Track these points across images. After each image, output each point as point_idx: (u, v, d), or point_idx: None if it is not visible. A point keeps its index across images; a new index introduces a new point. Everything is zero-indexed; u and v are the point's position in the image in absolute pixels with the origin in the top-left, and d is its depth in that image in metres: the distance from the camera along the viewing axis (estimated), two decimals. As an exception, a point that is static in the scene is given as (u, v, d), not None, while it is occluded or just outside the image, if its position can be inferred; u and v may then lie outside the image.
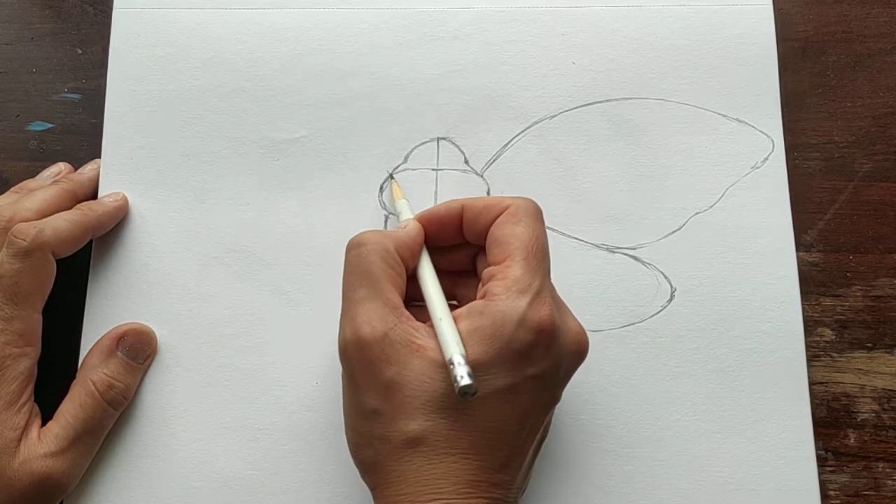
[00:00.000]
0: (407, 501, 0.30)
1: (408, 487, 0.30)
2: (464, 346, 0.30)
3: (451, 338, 0.30)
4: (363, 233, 0.33)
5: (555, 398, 0.33)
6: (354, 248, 0.33)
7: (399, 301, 0.32)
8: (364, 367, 0.31)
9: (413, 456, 0.30)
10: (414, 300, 0.34)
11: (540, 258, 0.32)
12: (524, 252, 0.32)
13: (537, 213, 0.33)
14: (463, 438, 0.30)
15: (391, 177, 0.41)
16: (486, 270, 0.32)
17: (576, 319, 0.33)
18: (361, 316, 0.31)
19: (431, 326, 0.31)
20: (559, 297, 0.33)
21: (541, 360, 0.31)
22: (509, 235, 0.32)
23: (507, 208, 0.33)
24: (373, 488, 0.32)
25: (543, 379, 0.31)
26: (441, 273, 0.34)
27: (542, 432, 0.33)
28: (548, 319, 0.30)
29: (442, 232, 0.35)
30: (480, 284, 0.32)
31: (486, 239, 0.34)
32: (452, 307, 0.32)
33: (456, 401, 0.30)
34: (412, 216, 0.35)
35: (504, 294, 0.31)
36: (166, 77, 0.42)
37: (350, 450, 0.33)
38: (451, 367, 0.29)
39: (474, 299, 0.32)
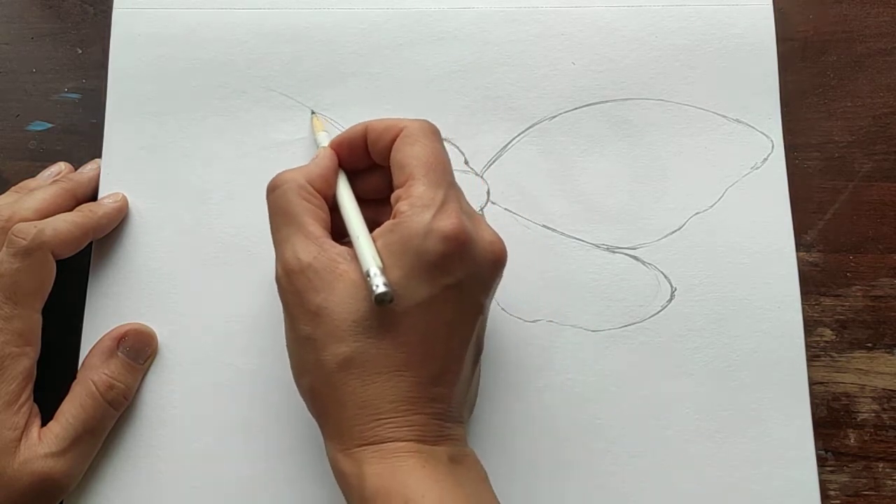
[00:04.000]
0: (349, 426, 0.31)
1: (348, 412, 0.31)
2: (381, 261, 0.31)
3: (367, 252, 0.31)
4: (278, 174, 0.34)
5: (478, 307, 0.33)
6: (272, 192, 0.34)
7: (320, 231, 0.33)
8: (295, 297, 0.32)
9: (347, 378, 0.31)
10: (343, 233, 0.35)
11: (440, 172, 0.33)
12: (423, 169, 0.32)
13: (433, 132, 0.34)
14: (392, 355, 0.31)
15: (312, 112, 0.42)
16: (393, 194, 0.33)
17: (491, 229, 0.33)
18: (287, 252, 0.32)
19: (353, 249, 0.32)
20: (471, 210, 0.34)
21: (456, 270, 0.31)
22: (407, 156, 0.33)
23: (402, 130, 0.34)
24: (316, 417, 0.33)
25: (462, 288, 0.32)
26: (364, 202, 0.35)
27: (475, 345, 0.34)
28: (455, 228, 0.31)
29: (353, 155, 0.36)
30: (392, 208, 0.33)
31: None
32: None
33: (382, 319, 0.31)
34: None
35: (409, 210, 0.32)
36: (166, 77, 0.42)
37: (295, 381, 0.34)
38: (368, 279, 0.30)
39: None
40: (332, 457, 0.32)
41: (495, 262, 0.33)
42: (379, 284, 0.30)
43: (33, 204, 0.38)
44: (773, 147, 0.41)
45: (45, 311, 0.37)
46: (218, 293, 0.40)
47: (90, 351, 0.38)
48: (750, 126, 0.41)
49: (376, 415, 0.31)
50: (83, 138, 0.43)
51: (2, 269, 0.36)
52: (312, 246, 0.32)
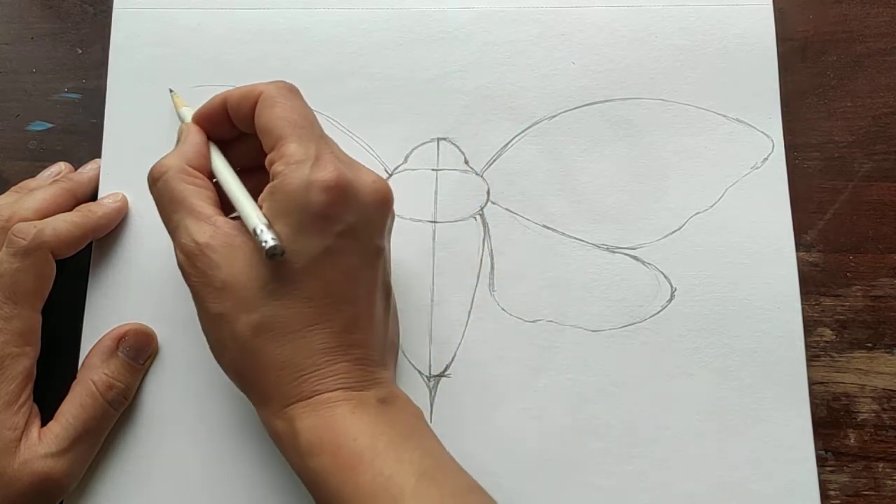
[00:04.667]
0: (275, 388, 0.32)
1: (271, 376, 0.32)
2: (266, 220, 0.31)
3: (251, 211, 0.32)
4: (155, 165, 0.35)
5: (377, 249, 0.34)
6: (154, 183, 0.34)
7: (211, 210, 0.33)
8: (199, 278, 0.32)
9: (263, 344, 0.31)
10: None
11: (308, 128, 0.33)
12: (290, 128, 0.33)
13: (290, 91, 0.34)
14: (302, 312, 0.32)
15: (170, 90, 0.41)
16: (267, 159, 0.33)
17: (371, 172, 0.34)
18: (183, 237, 0.33)
19: None
20: (347, 157, 0.34)
21: (344, 216, 0.32)
22: (271, 119, 0.33)
23: (260, 95, 0.34)
24: (244, 391, 0.34)
25: (354, 233, 0.32)
26: (244, 171, 0.36)
27: (382, 287, 0.34)
28: (333, 177, 0.31)
29: (217, 126, 0.36)
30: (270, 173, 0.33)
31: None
32: None
33: (284, 280, 0.31)
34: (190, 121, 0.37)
35: (286, 169, 0.32)
36: (166, 77, 0.42)
37: (216, 361, 0.34)
38: (256, 237, 0.31)
39: None
40: (265, 421, 0.33)
41: (381, 201, 0.33)
42: (267, 240, 0.30)
43: (33, 204, 0.38)
44: (773, 147, 0.41)
45: (45, 311, 0.37)
46: (218, 293, 0.40)
47: (90, 351, 0.38)
48: (750, 126, 0.41)
49: (299, 371, 0.31)
50: (83, 138, 0.43)
51: (2, 269, 0.36)
52: (206, 226, 0.32)
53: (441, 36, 0.43)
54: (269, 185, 0.32)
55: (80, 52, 0.45)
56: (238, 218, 0.33)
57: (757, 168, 0.41)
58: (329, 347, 0.32)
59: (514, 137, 0.42)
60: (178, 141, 0.36)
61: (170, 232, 0.34)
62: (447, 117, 0.42)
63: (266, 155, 0.34)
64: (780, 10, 0.43)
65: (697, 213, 0.41)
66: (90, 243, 0.40)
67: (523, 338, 0.39)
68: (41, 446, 0.35)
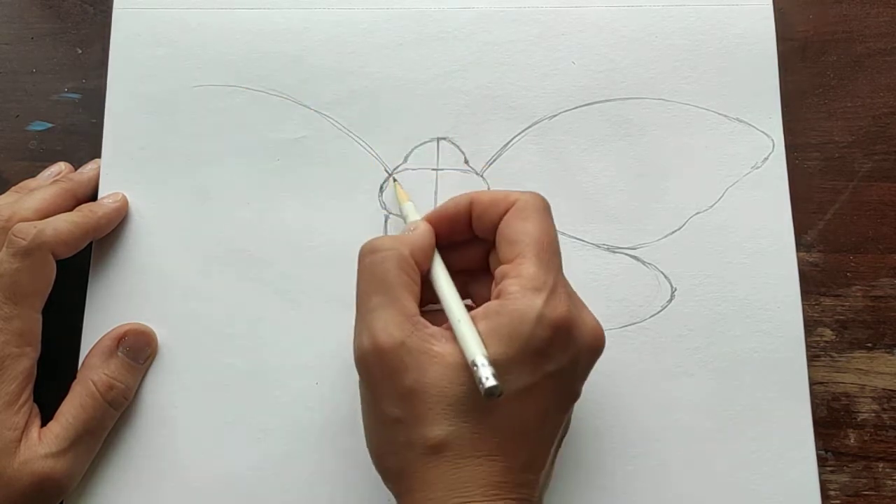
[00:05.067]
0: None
1: (434, 493, 0.30)
2: (484, 346, 0.30)
3: (472, 339, 0.30)
4: (377, 239, 0.33)
5: (574, 394, 0.32)
6: (369, 255, 0.33)
7: (415, 308, 0.32)
8: (383, 376, 0.31)
9: (438, 461, 0.30)
10: (429, 303, 0.34)
11: (552, 253, 0.32)
12: (536, 248, 0.31)
13: (545, 208, 0.33)
14: (487, 440, 0.30)
15: (394, 179, 0.41)
16: (498, 269, 0.32)
17: (591, 314, 0.33)
18: (378, 324, 0.31)
19: (448, 329, 0.31)
20: (573, 292, 0.33)
21: (559, 357, 0.30)
22: (519, 232, 0.32)
23: (514, 203, 0.33)
24: (397, 495, 0.32)
25: (562, 376, 0.31)
26: (453, 272, 0.34)
27: (564, 429, 0.33)
28: (565, 316, 0.30)
29: (452, 230, 0.35)
30: (494, 284, 0.32)
31: (495, 234, 0.33)
32: (468, 307, 0.32)
33: (478, 404, 0.30)
34: (419, 217, 0.35)
35: (519, 292, 0.30)
36: (166, 77, 0.42)
37: (373, 459, 0.33)
38: (475, 368, 0.29)
39: (488, 297, 0.32)
40: None
41: (596, 348, 0.32)
42: (489, 377, 0.28)
43: (33, 204, 0.38)
44: (773, 147, 0.41)
45: (45, 311, 0.37)
46: (218, 293, 0.40)
47: (90, 351, 0.38)
48: (750, 125, 0.41)
49: (463, 497, 0.30)
50: (83, 138, 0.43)
51: (2, 269, 0.36)
52: (407, 323, 0.31)
53: (441, 36, 0.43)
54: (494, 303, 0.31)
55: (80, 52, 0.44)
56: (439, 320, 0.32)
57: (757, 168, 0.41)
58: (500, 482, 0.30)
59: (514, 137, 0.42)
60: (405, 230, 0.35)
61: (360, 311, 0.32)
62: (447, 117, 0.42)
63: (484, 262, 0.32)
64: (780, 10, 0.43)
65: (697, 213, 0.41)
66: (90, 243, 0.40)
67: (523, 338, 0.39)
68: (41, 446, 0.35)
